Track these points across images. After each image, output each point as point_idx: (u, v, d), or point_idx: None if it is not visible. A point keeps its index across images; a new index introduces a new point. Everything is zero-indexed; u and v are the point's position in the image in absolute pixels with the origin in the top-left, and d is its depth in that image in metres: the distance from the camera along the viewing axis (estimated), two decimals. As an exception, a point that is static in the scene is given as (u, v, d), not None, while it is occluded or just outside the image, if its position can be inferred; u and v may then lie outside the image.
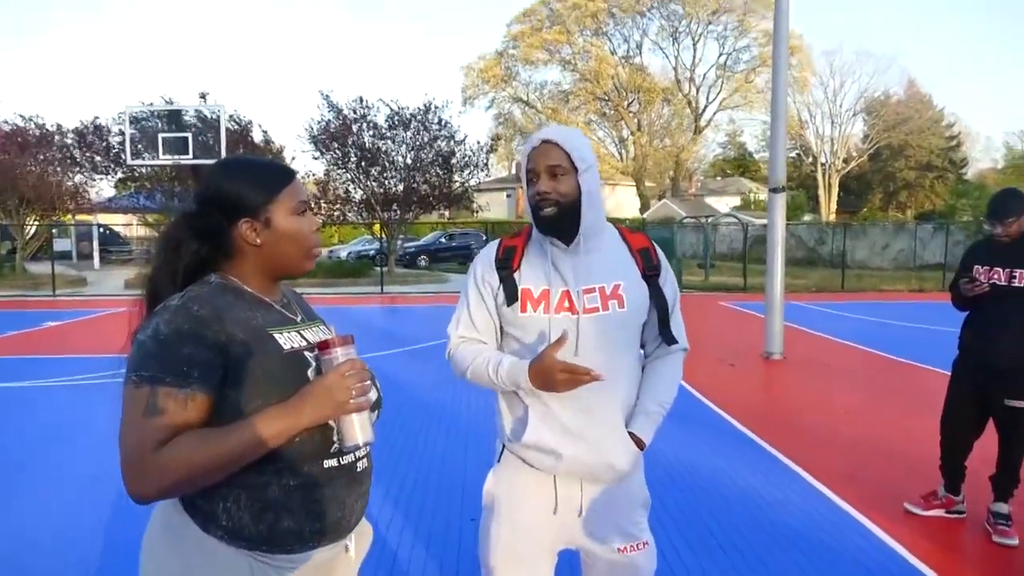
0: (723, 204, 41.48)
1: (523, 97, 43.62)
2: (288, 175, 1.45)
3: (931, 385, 7.03)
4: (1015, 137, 59.41)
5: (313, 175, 20.87)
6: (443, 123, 21.07)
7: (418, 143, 20.93)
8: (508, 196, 49.39)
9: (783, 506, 4.03)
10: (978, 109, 73.52)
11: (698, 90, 42.91)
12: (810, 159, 40.21)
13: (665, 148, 43.21)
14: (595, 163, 1.78)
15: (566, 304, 1.75)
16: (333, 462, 1.36)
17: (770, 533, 3.65)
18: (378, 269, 20.89)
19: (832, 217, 37.85)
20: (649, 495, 1.93)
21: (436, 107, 20.89)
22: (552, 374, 1.62)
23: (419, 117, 20.72)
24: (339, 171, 20.65)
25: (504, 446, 1.89)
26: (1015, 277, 3.48)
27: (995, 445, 3.70)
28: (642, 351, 1.92)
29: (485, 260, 1.86)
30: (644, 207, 41.90)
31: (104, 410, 5.92)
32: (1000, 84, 73.46)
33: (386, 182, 20.77)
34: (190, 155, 13.14)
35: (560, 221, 1.73)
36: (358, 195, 21.07)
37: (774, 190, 8.80)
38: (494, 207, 42.73)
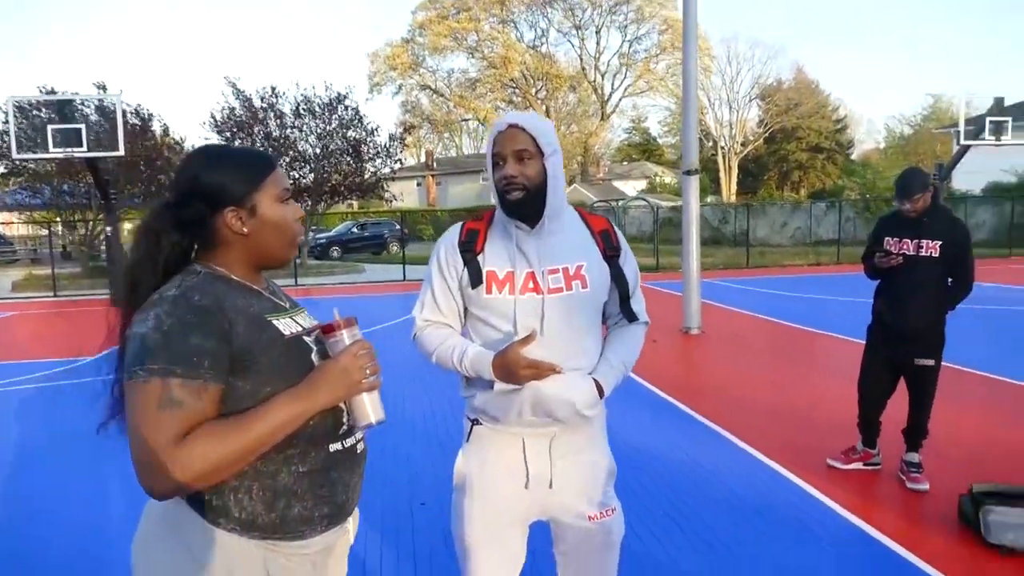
0: (630, 187, 42.53)
1: (431, 84, 43.22)
2: (271, 163, 1.44)
3: (838, 351, 7.55)
4: (895, 120, 63.68)
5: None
6: (354, 112, 20.67)
7: (327, 132, 20.45)
8: (418, 185, 48.97)
9: (719, 471, 4.26)
10: (861, 94, 78.40)
11: (603, 77, 43.75)
12: (711, 143, 41.74)
13: (573, 134, 43.85)
14: (559, 147, 1.82)
15: (531, 285, 1.78)
16: (338, 445, 1.38)
17: (710, 497, 3.86)
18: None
19: (733, 198, 39.44)
20: (615, 464, 1.99)
21: (345, 95, 20.45)
22: (516, 369, 1.68)
23: (330, 106, 20.24)
24: (246, 162, 19.91)
25: (472, 425, 1.91)
26: (922, 247, 3.80)
27: (905, 403, 4.05)
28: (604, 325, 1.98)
29: (448, 243, 1.87)
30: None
31: None
32: (880, 70, 78.52)
33: (295, 172, 20.20)
34: (84, 148, 12.34)
35: (526, 205, 1.75)
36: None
37: (687, 172, 9.15)
38: (405, 196, 42.30)
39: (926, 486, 3.88)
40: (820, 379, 6.58)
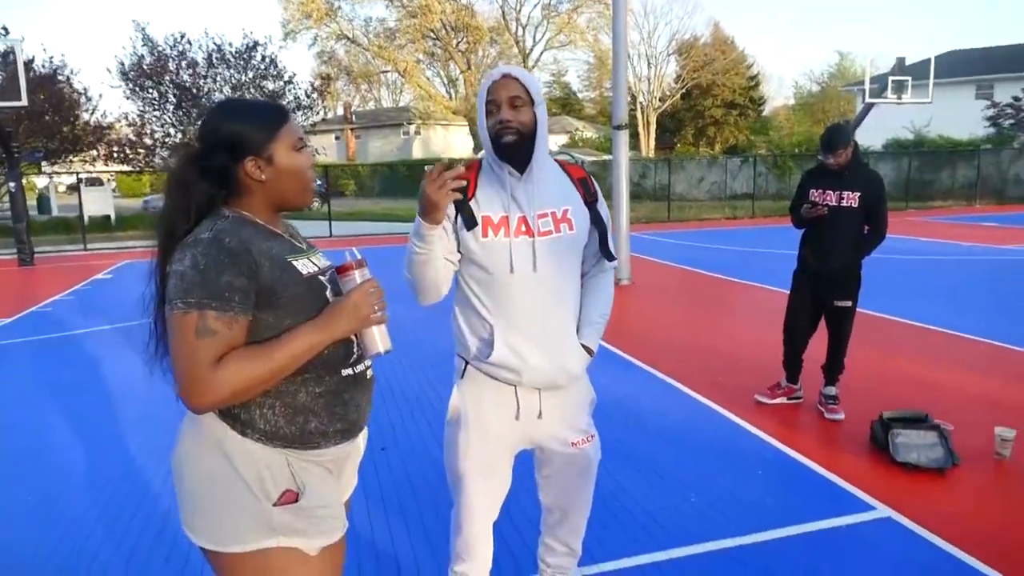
0: (552, 142, 42.69)
1: (347, 34, 41.75)
2: (284, 114, 1.56)
3: (759, 299, 8.05)
4: (804, 77, 65.80)
5: (127, 117, 18.87)
6: (270, 61, 19.87)
7: (243, 83, 19.62)
8: (337, 139, 47.62)
9: (659, 410, 4.59)
10: (772, 51, 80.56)
11: (524, 29, 43.35)
12: (629, 98, 42.25)
13: (495, 87, 43.44)
14: (544, 99, 1.96)
15: (523, 228, 1.90)
16: (349, 371, 1.55)
17: (653, 433, 4.17)
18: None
19: (651, 153, 40.25)
20: (595, 393, 2.18)
21: (258, 44, 19.62)
22: (430, 194, 1.72)
23: (244, 54, 19.38)
24: (155, 113, 18.92)
25: (467, 364, 2.04)
26: (843, 198, 4.15)
27: (822, 343, 4.45)
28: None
29: None
30: (477, 147, 42.22)
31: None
32: (791, 27, 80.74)
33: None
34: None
35: (519, 148, 1.87)
36: (178, 139, 19.45)
37: (617, 127, 9.39)
38: (324, 150, 41.10)
39: (842, 415, 4.31)
40: (744, 324, 7.04)
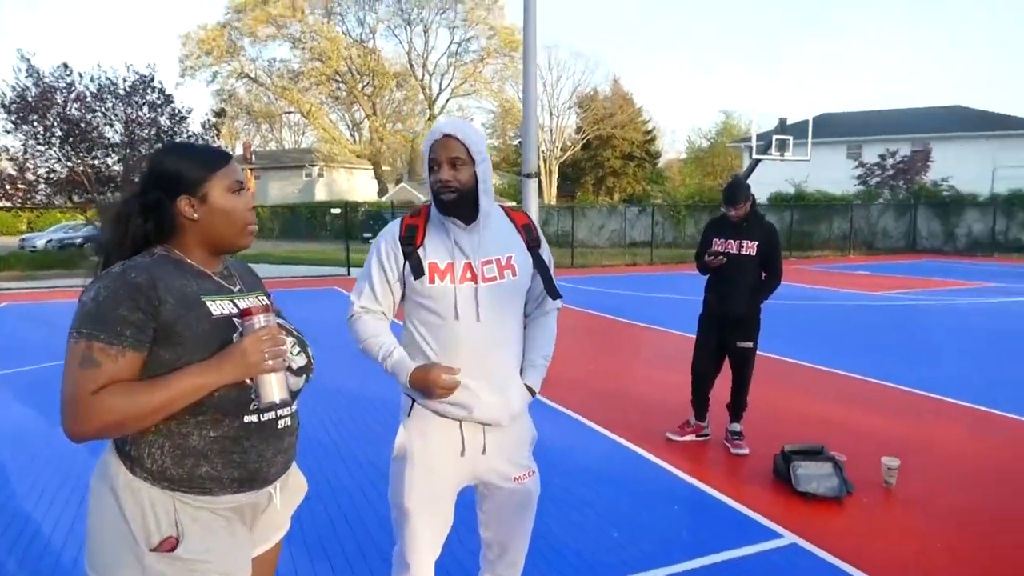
0: (457, 188, 43.06)
1: (250, 73, 41.01)
2: (225, 157, 1.61)
3: (664, 342, 8.41)
4: (694, 132, 69.83)
5: (8, 151, 17.67)
6: (163, 96, 19.21)
7: (134, 118, 18.86)
8: (235, 178, 46.26)
9: (570, 447, 4.71)
10: (666, 106, 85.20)
11: (431, 76, 43.99)
12: (533, 147, 43.35)
13: (399, 132, 43.66)
14: (488, 155, 2.06)
15: (468, 275, 1.98)
16: (253, 418, 1.51)
17: (565, 470, 4.27)
18: (95, 259, 18.55)
19: (554, 201, 41.40)
20: (536, 431, 2.25)
21: (152, 77, 18.95)
22: (435, 388, 1.93)
23: (136, 88, 18.66)
24: (40, 147, 17.85)
25: (413, 402, 2.08)
26: (743, 247, 4.47)
27: (727, 384, 4.72)
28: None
29: (389, 237, 2.05)
30: (382, 191, 42.10)
31: None
32: (682, 86, 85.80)
33: (96, 161, 18.42)
34: None
35: (459, 205, 1.96)
36: (64, 174, 18.38)
37: (527, 175, 9.63)
38: (222, 190, 39.66)
39: (747, 450, 4.56)
40: (649, 366, 7.33)
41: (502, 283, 2.02)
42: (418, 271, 1.97)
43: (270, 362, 1.46)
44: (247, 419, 1.50)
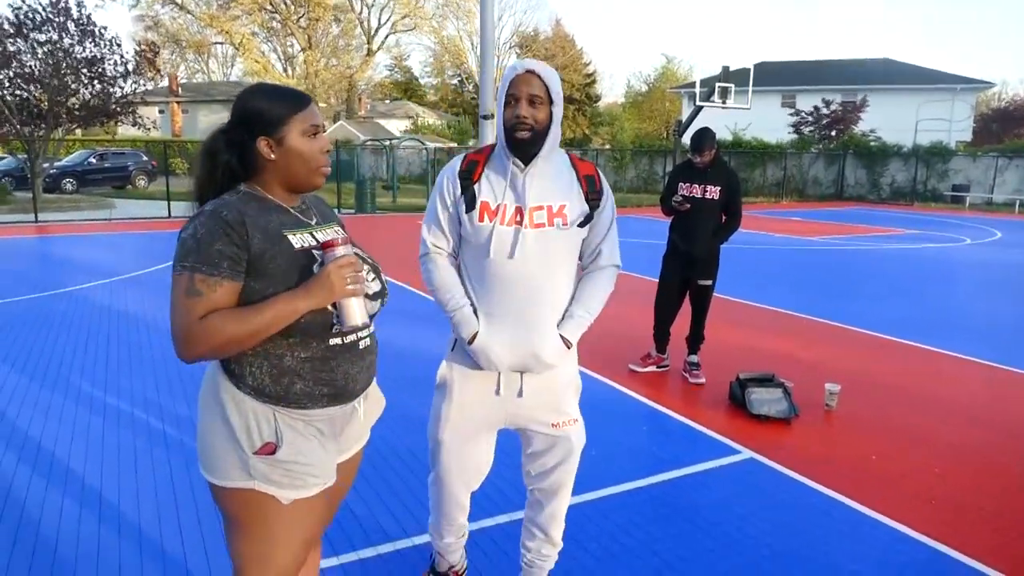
0: (394, 126, 42.36)
1: (176, 0, 38.80)
2: (304, 100, 1.69)
3: (624, 282, 8.77)
4: (634, 77, 69.86)
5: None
6: (88, 23, 18.09)
7: (58, 48, 17.75)
8: (161, 112, 44.03)
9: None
10: (607, 50, 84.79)
11: (369, 10, 42.58)
12: (471, 86, 42.81)
13: (336, 68, 42.34)
14: (562, 98, 2.01)
15: (517, 218, 1.98)
16: (338, 340, 1.66)
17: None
18: (19, 195, 17.68)
19: (495, 143, 41.12)
20: (581, 382, 2.26)
21: (74, 5, 17.80)
22: (486, 365, 2.02)
23: (54, 16, 17.50)
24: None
25: (456, 339, 2.12)
26: (707, 191, 4.77)
27: (686, 319, 5.09)
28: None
29: (450, 171, 2.07)
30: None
31: None
32: (624, 29, 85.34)
33: (21, 93, 17.34)
34: None
35: (531, 144, 1.95)
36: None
37: (484, 117, 9.73)
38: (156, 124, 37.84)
39: (703, 380, 4.97)
40: (614, 304, 7.66)
41: (549, 230, 1.99)
42: (471, 204, 1.99)
43: (351, 287, 1.59)
44: (332, 342, 1.64)
